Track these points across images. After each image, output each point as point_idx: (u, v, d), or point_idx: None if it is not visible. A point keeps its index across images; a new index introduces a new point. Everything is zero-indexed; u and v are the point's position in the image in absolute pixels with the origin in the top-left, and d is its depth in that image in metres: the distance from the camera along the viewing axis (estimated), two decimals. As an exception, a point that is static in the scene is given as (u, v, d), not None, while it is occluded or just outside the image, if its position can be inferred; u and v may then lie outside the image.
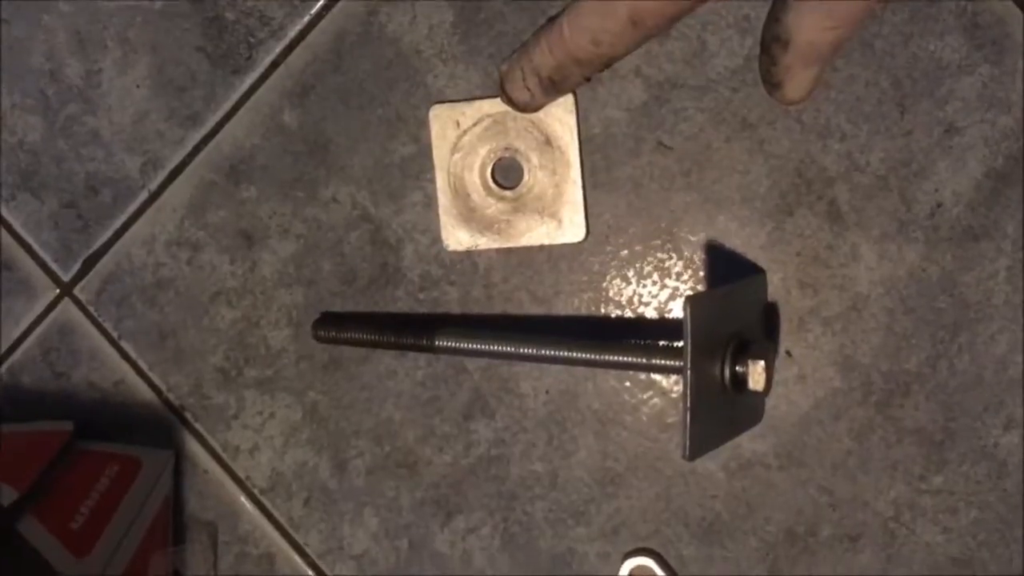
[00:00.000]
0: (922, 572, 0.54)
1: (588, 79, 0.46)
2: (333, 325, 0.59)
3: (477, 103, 0.57)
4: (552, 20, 0.44)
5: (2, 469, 0.56)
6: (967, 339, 0.53)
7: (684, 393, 0.46)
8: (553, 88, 0.47)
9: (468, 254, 0.58)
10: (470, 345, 0.55)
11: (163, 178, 0.61)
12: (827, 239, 0.54)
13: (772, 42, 0.39)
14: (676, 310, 0.56)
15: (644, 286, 0.56)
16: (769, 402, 0.55)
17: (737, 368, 0.48)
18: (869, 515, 0.55)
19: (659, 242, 0.56)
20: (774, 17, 0.39)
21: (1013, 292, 0.52)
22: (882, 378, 0.54)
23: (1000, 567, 0.53)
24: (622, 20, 0.40)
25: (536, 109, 0.51)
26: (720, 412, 0.49)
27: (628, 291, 0.56)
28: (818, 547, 0.55)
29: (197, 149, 0.61)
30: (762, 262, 0.54)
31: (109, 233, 0.62)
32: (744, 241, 0.55)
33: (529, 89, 0.48)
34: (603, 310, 0.57)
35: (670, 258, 0.56)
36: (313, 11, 0.58)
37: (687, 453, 0.46)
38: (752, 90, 0.53)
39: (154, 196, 0.62)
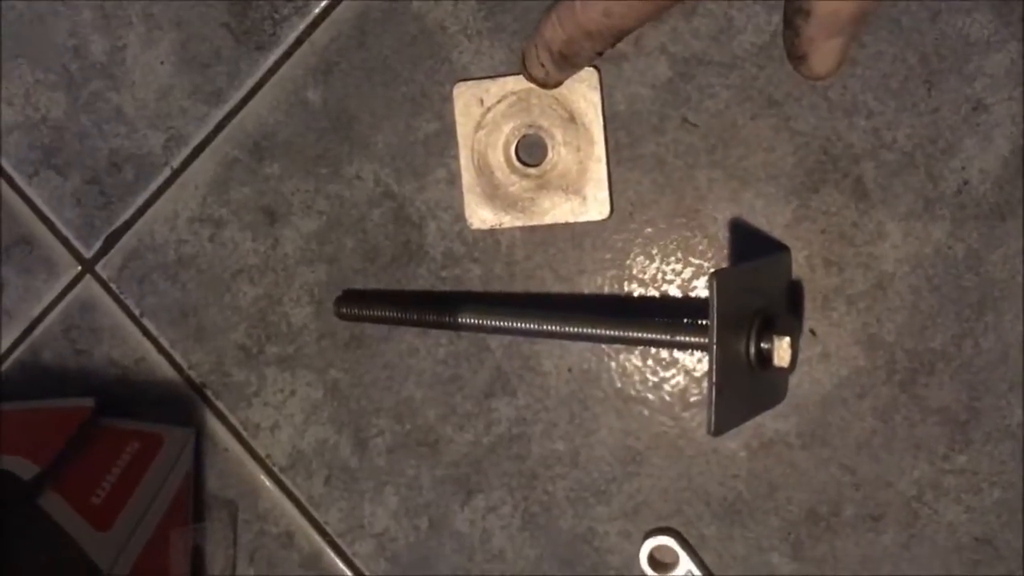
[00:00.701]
0: (945, 552, 0.54)
1: (600, 54, 0.46)
2: (355, 302, 0.59)
3: (501, 80, 0.57)
4: None
5: (23, 445, 0.56)
6: (993, 318, 0.53)
7: (709, 369, 0.46)
8: (566, 63, 0.47)
9: (491, 232, 0.58)
10: (493, 322, 0.55)
11: (186, 155, 0.61)
12: (853, 217, 0.53)
13: (794, 14, 0.39)
14: (700, 288, 0.56)
15: (668, 263, 0.56)
16: (792, 381, 0.55)
17: (762, 344, 0.48)
18: (892, 495, 0.54)
19: (683, 220, 0.56)
20: None
21: (1040, 270, 0.52)
22: (906, 357, 0.54)
23: (1022, 547, 0.53)
24: None
25: (555, 85, 0.51)
26: (744, 389, 0.49)
27: (652, 268, 0.56)
28: (840, 527, 0.55)
29: (220, 126, 0.61)
30: (787, 239, 0.54)
31: (132, 210, 0.63)
32: (769, 218, 0.54)
33: (543, 65, 0.48)
34: (627, 288, 0.57)
35: (694, 236, 0.56)
36: (338, -12, 0.58)
37: (712, 429, 0.46)
38: (778, 67, 0.53)
39: (177, 173, 0.62)
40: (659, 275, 0.56)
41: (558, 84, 0.51)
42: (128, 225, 0.63)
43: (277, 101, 0.60)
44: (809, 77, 0.41)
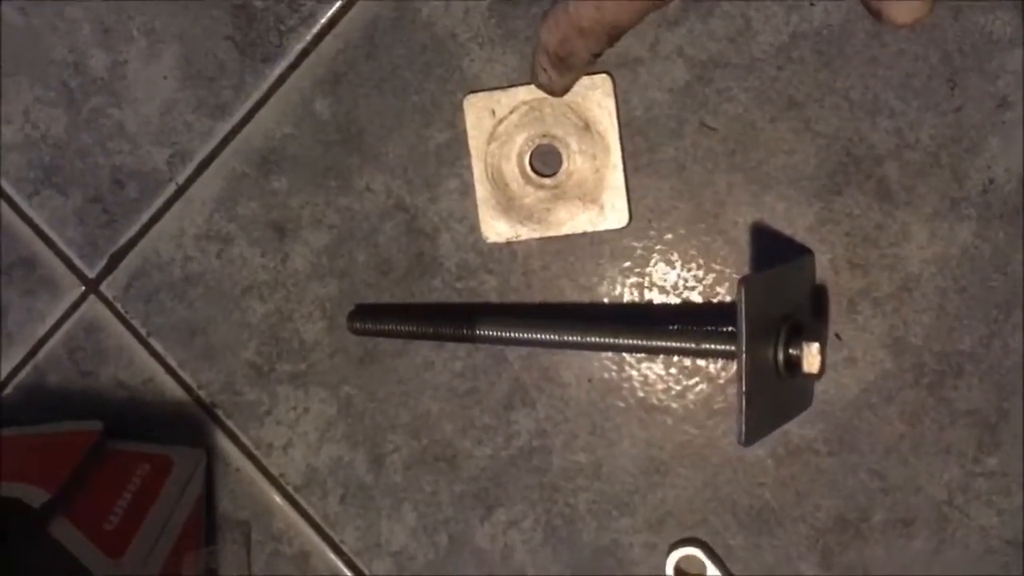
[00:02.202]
0: (976, 556, 0.53)
1: (597, 55, 0.46)
2: (369, 317, 0.58)
3: (512, 91, 0.56)
4: None
5: (31, 471, 0.55)
6: (1021, 317, 0.52)
7: (739, 377, 0.45)
8: (563, 65, 0.47)
9: (507, 242, 0.57)
10: (512, 333, 0.54)
11: (191, 170, 0.60)
12: (877, 218, 0.53)
13: None
14: (722, 293, 0.55)
15: (689, 270, 0.55)
16: (818, 386, 0.54)
17: (791, 351, 0.48)
18: (922, 499, 0.54)
19: (704, 225, 0.55)
20: None
21: (1068, 268, 0.51)
22: (934, 359, 0.53)
23: (1057, 549, 0.53)
24: None
25: (561, 91, 0.50)
26: (773, 396, 0.49)
27: (673, 275, 0.56)
28: (870, 533, 0.54)
29: (226, 140, 0.60)
30: (810, 243, 0.54)
31: (136, 228, 0.61)
32: (791, 222, 0.54)
33: (545, 70, 0.48)
34: (647, 296, 0.56)
35: (715, 241, 0.55)
36: (344, -3, 0.57)
37: (743, 439, 0.45)
38: (798, 67, 0.53)
39: (182, 189, 0.60)
40: (680, 282, 0.55)
41: (565, 90, 0.50)
42: (132, 243, 0.61)
43: (284, 114, 0.59)
44: (895, 24, 0.38)
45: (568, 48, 0.45)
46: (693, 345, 0.50)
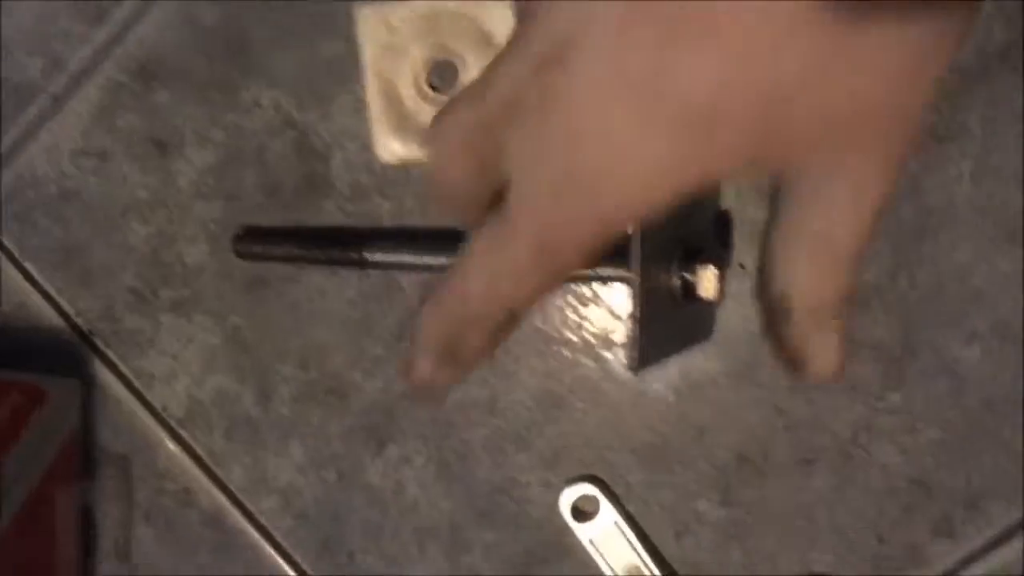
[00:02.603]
0: (878, 495, 0.52)
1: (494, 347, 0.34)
2: (255, 239, 0.55)
3: (408, 2, 0.53)
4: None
5: None
6: (929, 248, 0.50)
7: (632, 300, 0.43)
8: (452, 358, 0.33)
9: (401, 163, 0.54)
10: (405, 258, 0.52)
11: (67, 81, 0.57)
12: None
13: (773, 316, 0.32)
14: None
15: (589, 194, 0.53)
16: (722, 319, 0.52)
17: (685, 275, 0.46)
18: (825, 437, 0.52)
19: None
20: (765, 279, 0.32)
21: (976, 194, 0.50)
22: (840, 291, 0.51)
23: (957, 487, 0.51)
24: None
25: (441, 393, 0.40)
26: (669, 323, 0.47)
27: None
28: (771, 470, 0.53)
29: (105, 49, 0.57)
30: (715, 167, 0.51)
31: (9, 142, 0.58)
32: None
33: (425, 365, 0.34)
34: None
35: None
36: None
37: (633, 364, 0.43)
38: None
39: (58, 101, 0.57)
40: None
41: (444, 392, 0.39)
42: (5, 160, 0.58)
43: (167, 21, 0.56)
44: (819, 381, 0.33)
45: (457, 339, 0.33)
46: (588, 270, 0.48)
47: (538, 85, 0.27)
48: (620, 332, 0.53)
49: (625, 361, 0.43)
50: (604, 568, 0.54)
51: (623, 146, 0.27)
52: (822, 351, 0.31)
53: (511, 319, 0.32)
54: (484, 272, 0.31)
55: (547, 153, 0.28)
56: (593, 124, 0.27)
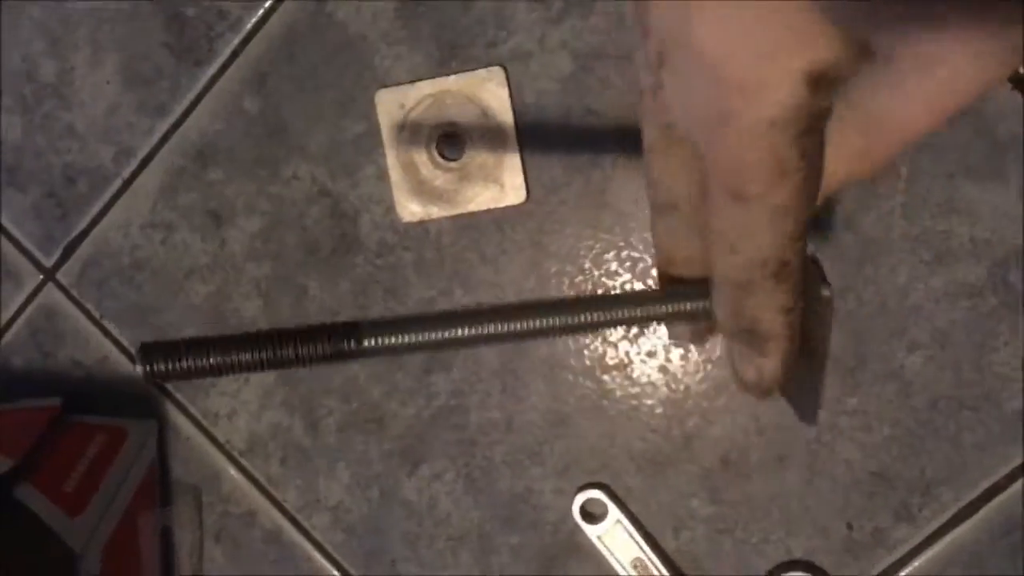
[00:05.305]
0: (844, 486, 0.59)
1: (790, 309, 0.29)
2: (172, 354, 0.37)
3: (418, 85, 0.62)
4: None
5: (-2, 442, 0.61)
6: (871, 272, 0.58)
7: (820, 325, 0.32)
8: (756, 339, 0.31)
9: (420, 222, 0.63)
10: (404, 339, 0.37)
11: (135, 166, 0.66)
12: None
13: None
14: (610, 260, 0.61)
15: (580, 239, 0.61)
16: (699, 340, 0.60)
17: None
18: (793, 437, 0.60)
19: (592, 199, 0.61)
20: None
21: (908, 226, 0.57)
22: (798, 312, 0.59)
23: (913, 478, 0.59)
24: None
25: (777, 380, 0.32)
26: None
27: (566, 245, 0.62)
28: (750, 470, 0.61)
29: (166, 137, 0.66)
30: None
31: (87, 220, 0.67)
32: (668, 194, 0.60)
33: (747, 362, 0.32)
34: (545, 264, 0.62)
35: (603, 212, 0.61)
36: (267, 4, 0.63)
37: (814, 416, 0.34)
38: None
39: (127, 183, 0.66)
40: (573, 251, 0.62)
41: (782, 376, 0.32)
42: (85, 234, 0.67)
43: (217, 111, 0.65)
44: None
45: (747, 315, 0.30)
46: (666, 307, 0.36)
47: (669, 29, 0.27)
48: (612, 357, 0.61)
49: (801, 418, 0.35)
50: (612, 562, 0.62)
51: (739, 34, 0.25)
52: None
53: (781, 270, 0.28)
54: (725, 248, 0.28)
55: (689, 80, 0.27)
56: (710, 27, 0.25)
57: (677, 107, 0.28)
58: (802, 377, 0.32)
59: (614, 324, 0.35)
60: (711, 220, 0.28)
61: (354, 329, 0.35)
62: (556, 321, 0.34)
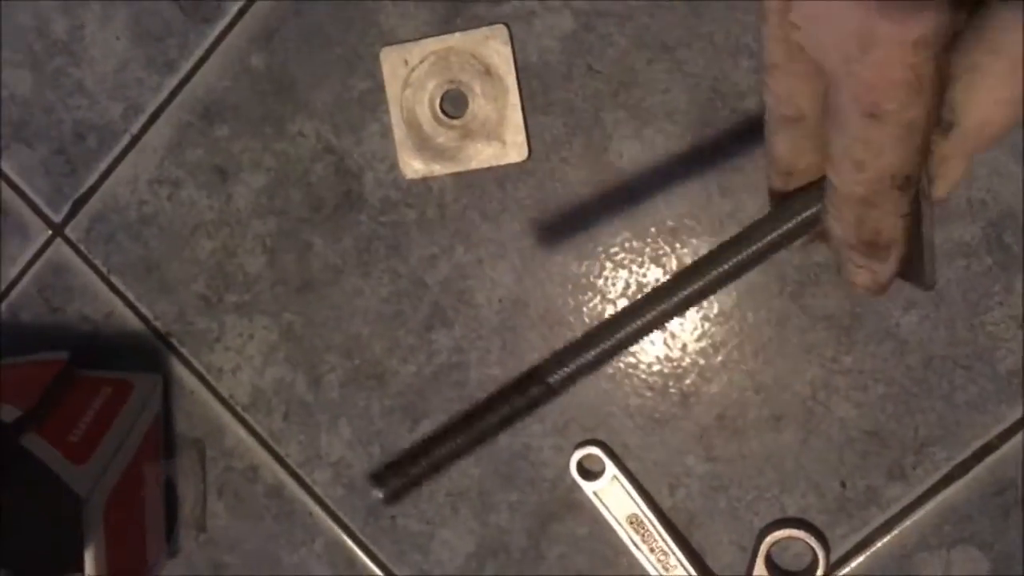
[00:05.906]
0: (839, 445, 0.60)
1: (906, 215, 0.31)
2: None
3: (423, 42, 0.62)
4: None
5: (7, 393, 0.62)
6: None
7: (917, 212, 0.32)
8: (877, 249, 0.32)
9: (423, 179, 0.64)
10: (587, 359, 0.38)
11: (143, 122, 0.67)
12: (742, 149, 0.60)
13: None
14: (609, 217, 0.62)
15: (580, 198, 0.62)
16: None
17: None
18: (789, 396, 0.60)
19: (594, 157, 0.62)
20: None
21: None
22: (795, 271, 0.60)
23: (906, 436, 0.59)
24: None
25: (888, 282, 0.34)
26: None
27: (567, 203, 0.62)
28: (746, 428, 0.61)
29: (174, 94, 0.67)
30: (685, 170, 0.60)
31: (95, 176, 0.68)
32: (668, 151, 0.60)
33: (861, 267, 0.34)
34: (546, 222, 0.63)
35: (604, 171, 0.61)
36: (274, -38, 0.64)
37: (932, 280, 0.34)
38: (668, 14, 0.59)
39: (136, 139, 0.67)
40: (572, 208, 0.62)
41: (889, 282, 0.34)
42: (93, 190, 0.68)
43: (224, 68, 0.66)
44: (941, 202, 0.32)
45: (869, 227, 0.31)
46: (786, 225, 0.36)
47: None
48: (609, 314, 0.62)
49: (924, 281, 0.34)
50: (608, 517, 0.63)
51: None
52: (954, 173, 0.31)
53: (906, 184, 0.30)
54: (850, 165, 0.29)
55: (827, 5, 0.28)
56: None
57: (808, 28, 0.29)
58: (909, 253, 0.33)
59: (758, 259, 0.36)
60: (835, 137, 0.29)
61: (536, 372, 0.38)
62: (704, 280, 0.36)
